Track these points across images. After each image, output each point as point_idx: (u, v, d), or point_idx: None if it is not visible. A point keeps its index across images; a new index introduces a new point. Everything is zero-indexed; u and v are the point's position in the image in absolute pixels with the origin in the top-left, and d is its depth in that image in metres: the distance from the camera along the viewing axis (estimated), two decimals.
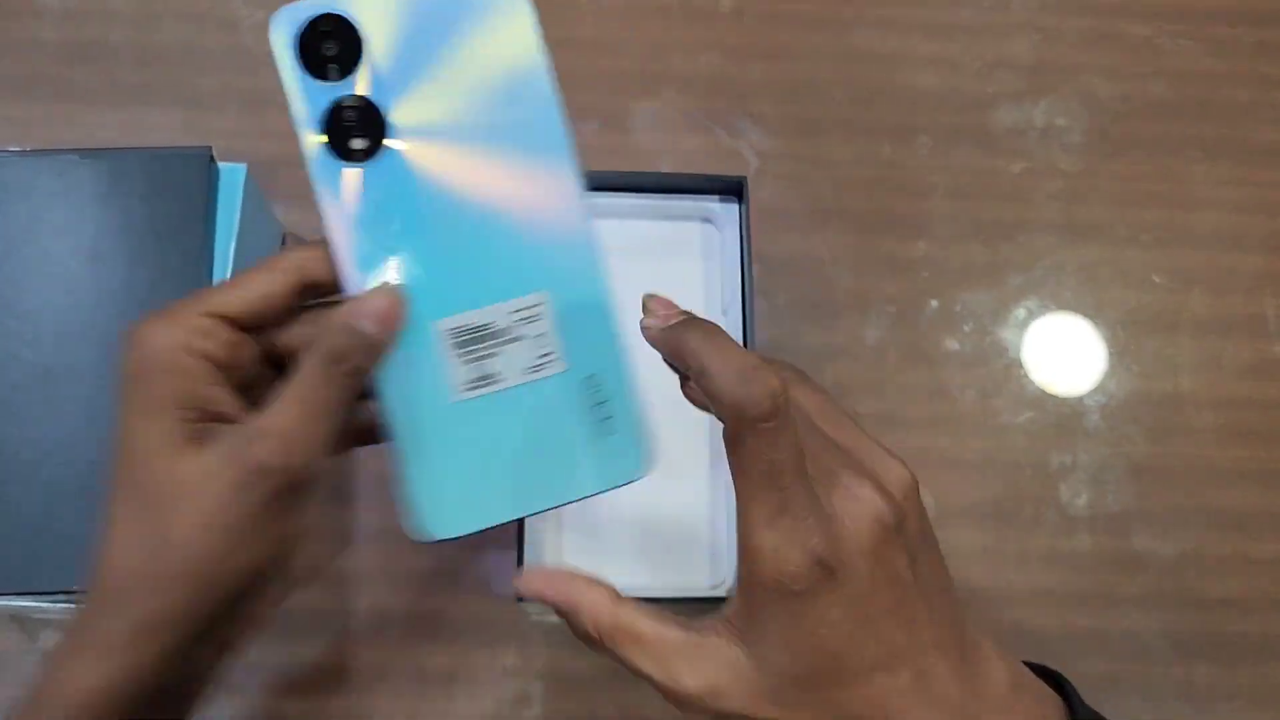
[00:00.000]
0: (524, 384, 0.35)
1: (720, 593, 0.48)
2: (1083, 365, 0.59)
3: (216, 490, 0.30)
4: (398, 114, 0.34)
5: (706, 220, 0.54)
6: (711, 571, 0.48)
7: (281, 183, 0.58)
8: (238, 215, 0.49)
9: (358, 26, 0.34)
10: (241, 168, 0.50)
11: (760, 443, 0.30)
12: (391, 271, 0.34)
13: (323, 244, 0.33)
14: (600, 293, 0.36)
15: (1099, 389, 0.58)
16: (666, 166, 0.60)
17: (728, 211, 0.54)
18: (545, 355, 0.35)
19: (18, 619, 0.51)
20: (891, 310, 0.59)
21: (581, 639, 0.33)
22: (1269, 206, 0.62)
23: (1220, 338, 0.59)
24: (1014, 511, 0.56)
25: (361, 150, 0.35)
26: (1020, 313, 0.59)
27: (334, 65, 0.34)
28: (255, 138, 0.59)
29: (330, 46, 0.34)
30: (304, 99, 0.35)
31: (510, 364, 0.35)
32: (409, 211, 0.35)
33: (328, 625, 0.52)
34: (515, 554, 0.46)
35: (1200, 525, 0.56)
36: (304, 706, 0.51)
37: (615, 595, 0.33)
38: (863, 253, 0.59)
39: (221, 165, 0.49)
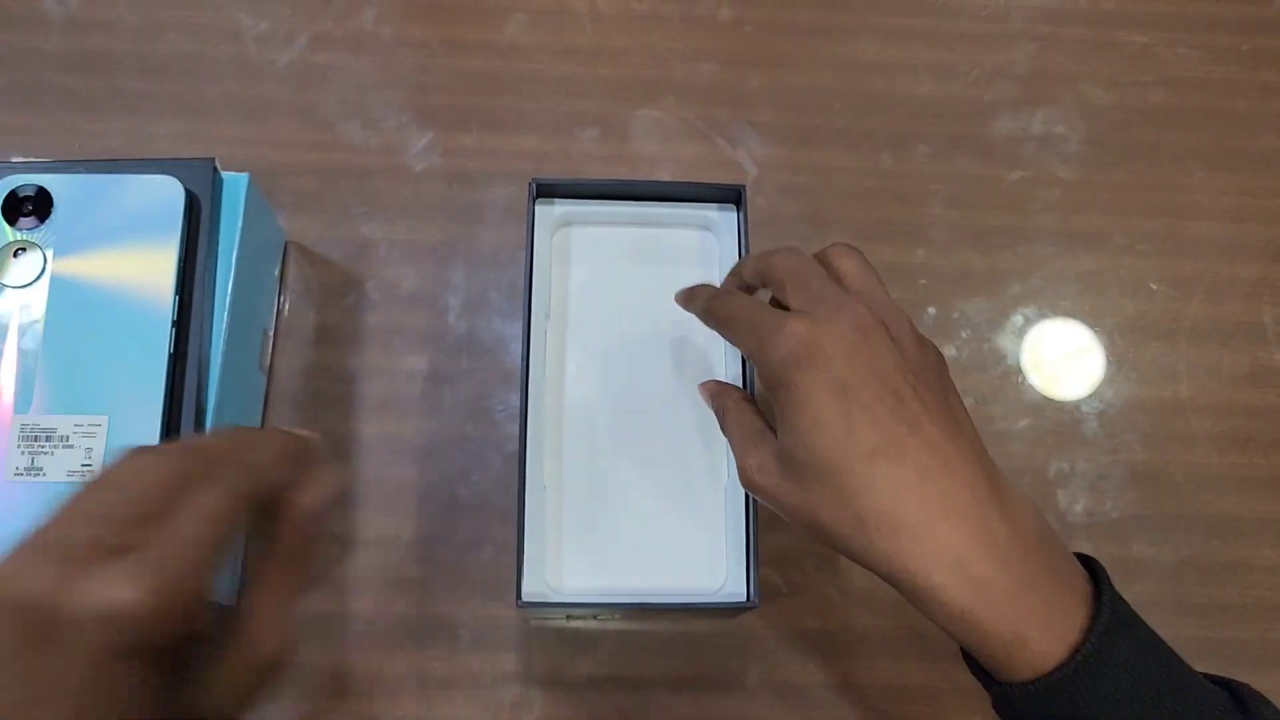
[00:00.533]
0: (63, 483, 0.43)
1: (719, 598, 0.48)
2: (1081, 372, 0.59)
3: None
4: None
5: (705, 228, 0.54)
6: (711, 575, 0.49)
7: (285, 191, 0.59)
8: (240, 224, 0.50)
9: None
10: (245, 177, 0.51)
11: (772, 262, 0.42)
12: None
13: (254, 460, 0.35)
14: (152, 427, 0.44)
15: (1097, 396, 0.58)
16: (666, 174, 0.61)
17: (726, 220, 0.54)
18: (87, 465, 0.43)
19: None
20: None
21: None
22: (1267, 215, 0.62)
23: (1219, 345, 0.59)
24: None
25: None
26: (1018, 320, 0.59)
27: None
28: (258, 147, 0.60)
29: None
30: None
31: (58, 464, 0.43)
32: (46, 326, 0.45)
33: (327, 630, 0.52)
34: (515, 557, 0.46)
35: (1199, 532, 0.56)
36: (304, 710, 0.51)
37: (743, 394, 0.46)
38: None
39: (225, 174, 0.50)
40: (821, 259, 0.42)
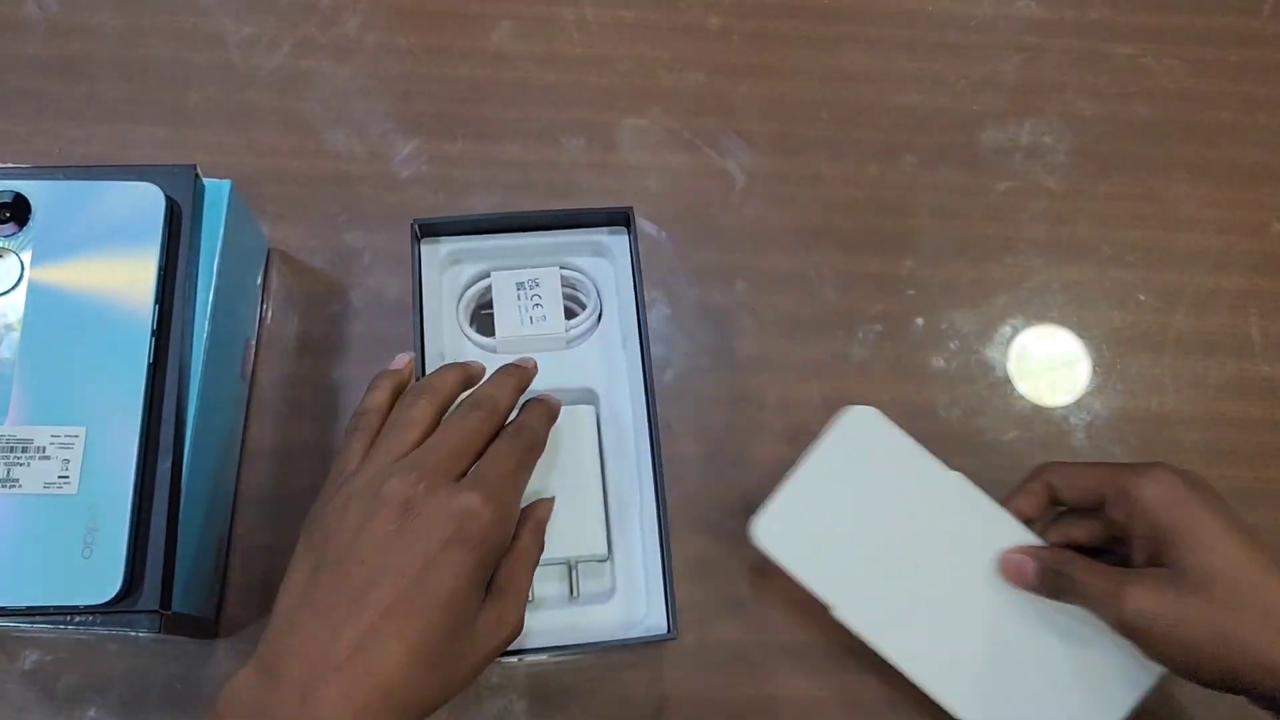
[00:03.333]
0: (39, 495, 0.42)
1: (641, 632, 0.48)
2: (1068, 383, 0.59)
3: (491, 647, 0.40)
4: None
5: (598, 254, 0.54)
6: (633, 608, 0.48)
7: (267, 198, 0.59)
8: (222, 231, 0.49)
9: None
10: (226, 184, 0.50)
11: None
12: None
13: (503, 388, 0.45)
14: (131, 438, 0.43)
15: (1084, 407, 0.58)
16: (652, 184, 0.60)
17: (618, 243, 0.53)
18: (64, 477, 0.42)
19: None
20: (878, 328, 0.59)
21: (1051, 587, 0.47)
22: (1253, 226, 0.62)
23: (1205, 356, 0.59)
24: None
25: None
26: (1006, 331, 0.59)
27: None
28: (241, 154, 0.60)
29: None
30: None
31: (34, 475, 0.42)
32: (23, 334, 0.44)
33: None
34: None
35: None
36: None
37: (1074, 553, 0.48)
38: (849, 271, 0.59)
39: (207, 181, 0.49)
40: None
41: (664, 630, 0.47)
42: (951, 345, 0.59)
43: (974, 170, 0.62)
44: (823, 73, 0.64)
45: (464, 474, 0.40)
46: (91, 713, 0.50)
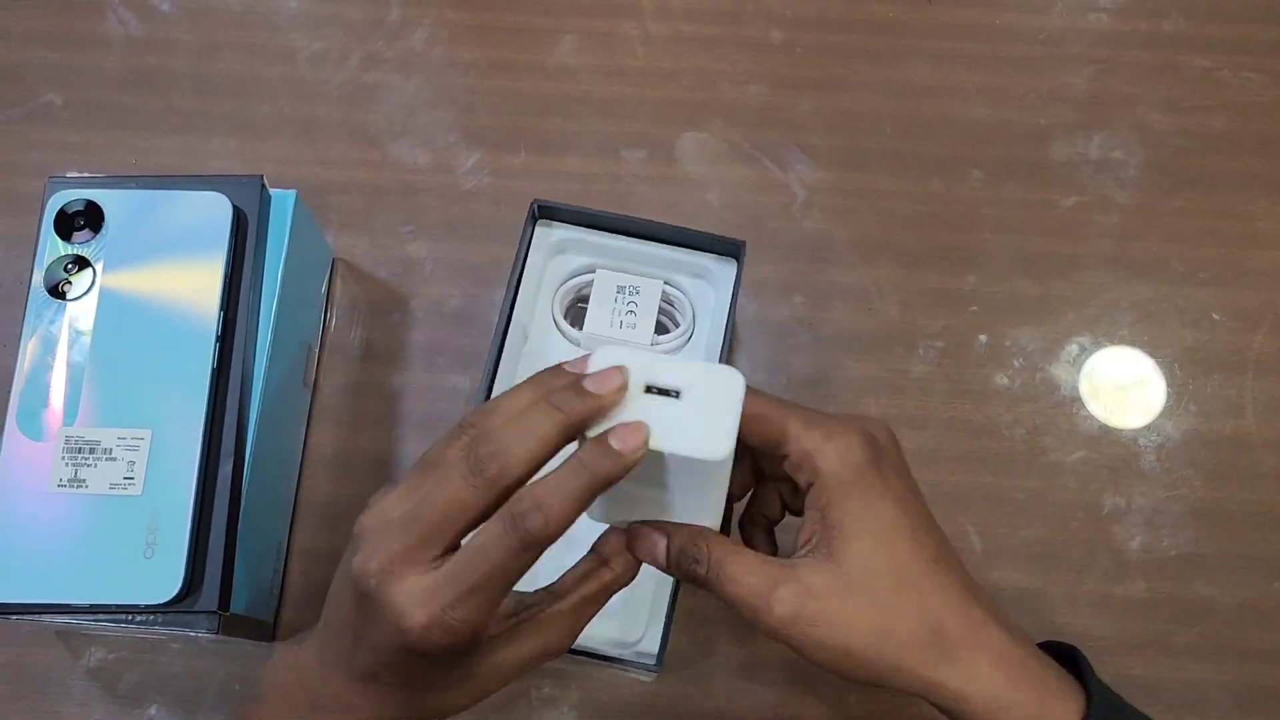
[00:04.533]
0: (104, 495, 0.43)
1: (640, 647, 0.47)
2: (1138, 404, 0.57)
3: (518, 670, 0.37)
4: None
5: (699, 277, 0.54)
6: (628, 629, 0.48)
7: (333, 208, 0.60)
8: (287, 240, 0.50)
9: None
10: (292, 194, 0.51)
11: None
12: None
13: (531, 551, 0.34)
14: (194, 442, 0.44)
15: (1155, 429, 0.56)
16: (713, 197, 0.60)
17: (723, 271, 0.53)
18: (129, 478, 0.43)
19: (63, 636, 0.52)
20: (939, 345, 0.58)
21: (686, 574, 0.37)
22: None
23: None
24: (1063, 554, 0.54)
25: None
26: (1073, 349, 0.58)
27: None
28: (308, 165, 0.61)
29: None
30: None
31: (100, 476, 0.43)
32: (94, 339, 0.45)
33: None
34: None
35: (1262, 574, 0.54)
36: None
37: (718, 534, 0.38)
38: (910, 286, 0.59)
39: (273, 191, 0.50)
40: None
41: (652, 660, 0.46)
42: (1015, 363, 0.57)
43: (1041, 185, 0.61)
44: (886, 86, 0.63)
45: (448, 551, 0.34)
46: (152, 710, 0.51)
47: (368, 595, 0.33)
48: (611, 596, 0.38)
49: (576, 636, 0.37)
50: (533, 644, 0.36)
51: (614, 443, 0.33)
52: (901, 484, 0.38)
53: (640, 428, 0.33)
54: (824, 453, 0.37)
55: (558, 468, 0.33)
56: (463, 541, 0.34)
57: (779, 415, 0.38)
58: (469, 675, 0.36)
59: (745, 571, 0.36)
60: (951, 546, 0.38)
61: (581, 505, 0.33)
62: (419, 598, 0.33)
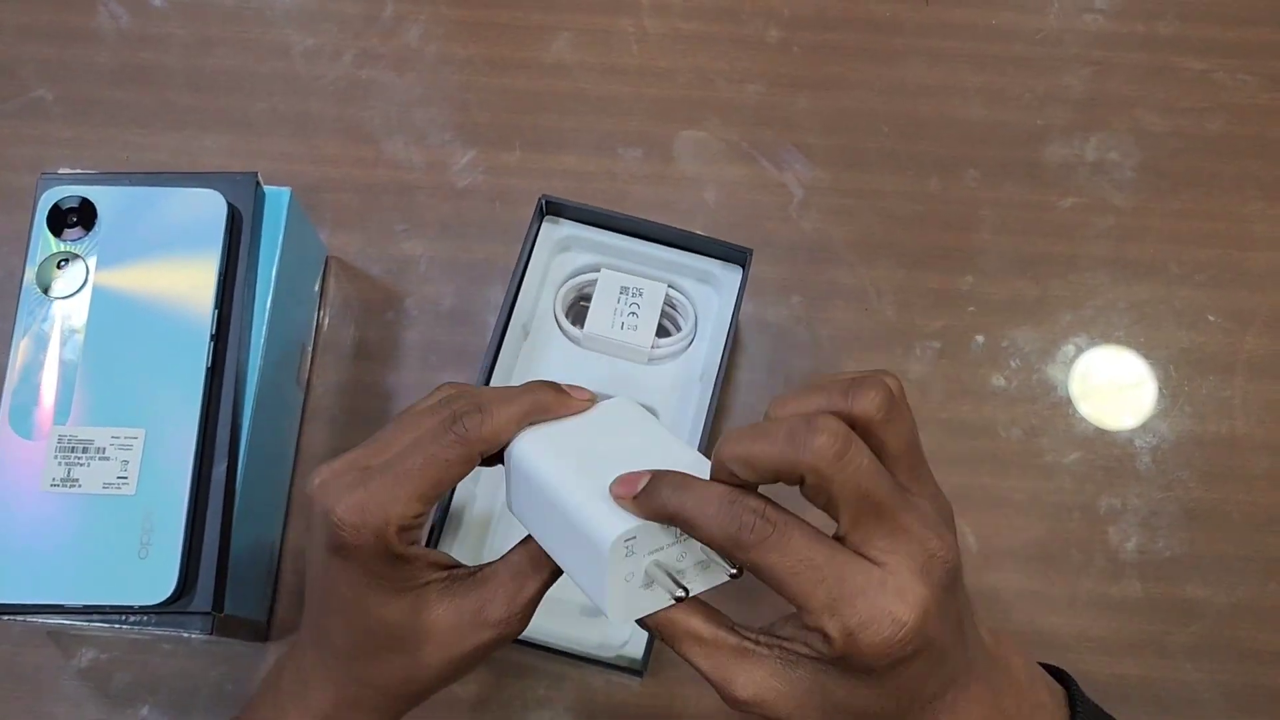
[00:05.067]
0: (98, 495, 0.42)
1: (624, 651, 0.47)
2: (1133, 405, 0.57)
3: (471, 646, 0.36)
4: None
5: (704, 282, 0.53)
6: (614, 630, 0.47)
7: (327, 205, 0.59)
8: (281, 238, 0.50)
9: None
10: (286, 191, 0.51)
11: (766, 554, 0.30)
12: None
13: (464, 445, 0.36)
14: (189, 440, 0.43)
15: (1150, 430, 0.56)
16: (710, 196, 0.60)
17: (728, 277, 0.53)
18: (122, 478, 0.43)
19: (55, 637, 0.52)
20: (936, 345, 0.57)
21: (647, 628, 0.35)
22: None
23: (1278, 379, 0.57)
24: (1060, 554, 0.54)
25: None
26: (1069, 350, 0.58)
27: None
28: (303, 162, 0.60)
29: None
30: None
31: (93, 476, 0.43)
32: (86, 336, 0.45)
33: None
34: None
35: (1256, 574, 0.54)
36: None
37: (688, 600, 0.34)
38: (908, 286, 0.58)
39: (267, 188, 0.50)
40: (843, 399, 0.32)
41: (637, 663, 0.46)
42: (1013, 364, 0.57)
43: (1038, 185, 0.61)
44: (884, 85, 0.63)
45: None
46: (144, 711, 0.51)
47: (310, 501, 0.35)
48: (553, 566, 0.36)
49: (521, 609, 0.36)
50: (469, 601, 0.36)
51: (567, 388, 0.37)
52: (943, 651, 0.31)
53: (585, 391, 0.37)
54: (839, 646, 0.30)
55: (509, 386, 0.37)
56: None
57: (790, 578, 0.30)
58: (409, 632, 0.36)
59: (709, 642, 0.33)
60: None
61: (517, 424, 0.36)
62: (349, 484, 0.35)
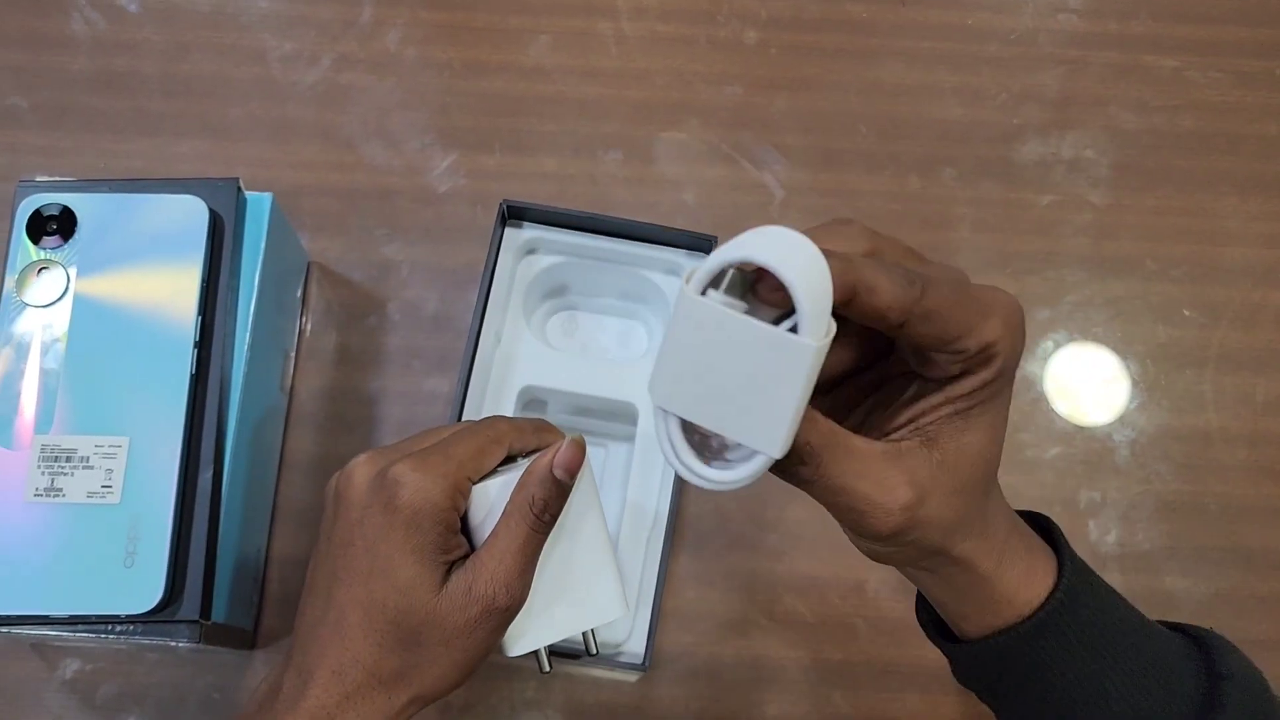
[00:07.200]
0: (82, 504, 0.42)
1: (627, 647, 0.48)
2: (1111, 400, 0.58)
3: (463, 622, 0.37)
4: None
5: (670, 273, 0.54)
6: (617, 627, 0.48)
7: (307, 211, 0.59)
8: (263, 244, 0.50)
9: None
10: (268, 197, 0.51)
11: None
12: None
13: (521, 423, 0.41)
14: (173, 449, 0.43)
15: (1128, 424, 0.57)
16: (689, 197, 0.60)
17: (695, 265, 0.53)
18: (107, 487, 0.42)
19: (38, 648, 0.51)
20: None
21: (789, 460, 0.30)
22: None
23: (1252, 373, 0.58)
24: None
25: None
26: (1048, 346, 0.58)
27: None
28: (281, 168, 0.60)
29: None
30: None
31: (77, 485, 0.42)
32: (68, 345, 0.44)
33: None
34: None
35: (1234, 565, 0.55)
36: None
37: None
38: None
39: (248, 194, 0.50)
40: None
41: (639, 660, 0.47)
42: None
43: (1015, 184, 0.61)
44: (861, 86, 0.63)
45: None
46: None
47: (341, 490, 0.38)
48: (546, 497, 0.38)
49: (513, 547, 0.37)
50: (464, 577, 0.37)
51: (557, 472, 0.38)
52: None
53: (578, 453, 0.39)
54: (1006, 345, 0.31)
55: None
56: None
57: (955, 306, 0.30)
58: (429, 610, 0.37)
59: (860, 456, 0.31)
60: None
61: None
62: (402, 454, 0.37)
